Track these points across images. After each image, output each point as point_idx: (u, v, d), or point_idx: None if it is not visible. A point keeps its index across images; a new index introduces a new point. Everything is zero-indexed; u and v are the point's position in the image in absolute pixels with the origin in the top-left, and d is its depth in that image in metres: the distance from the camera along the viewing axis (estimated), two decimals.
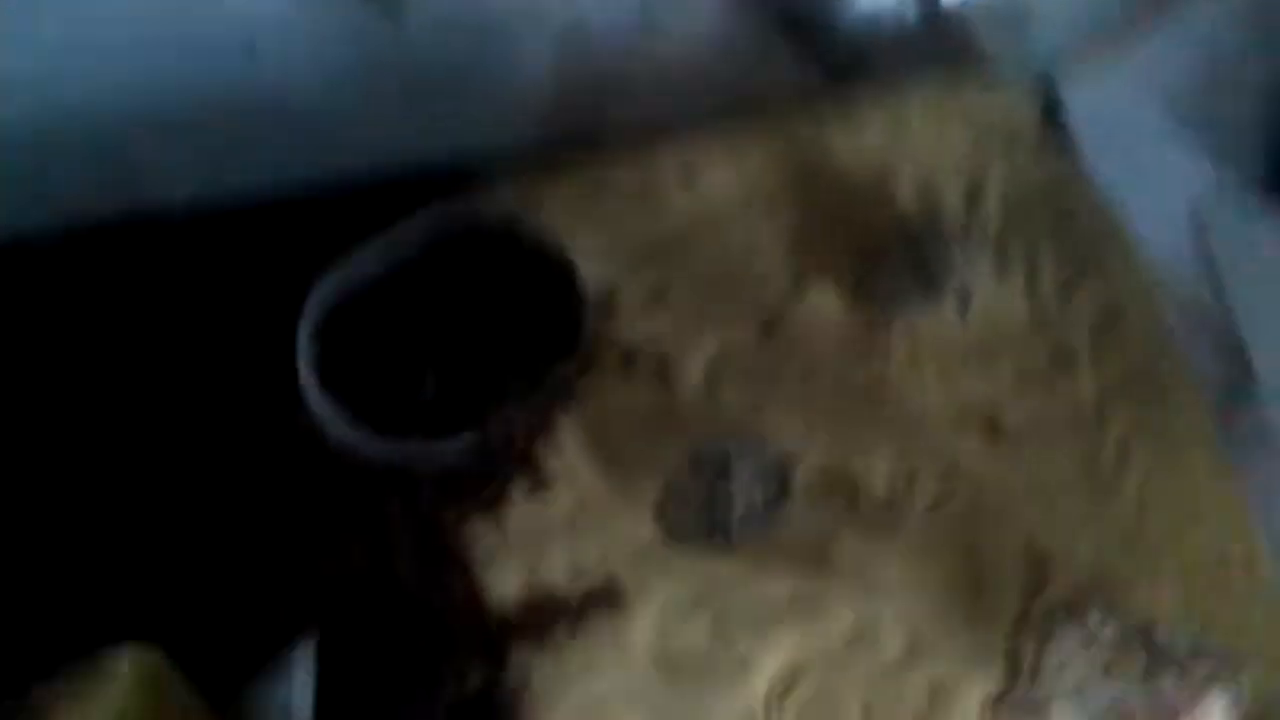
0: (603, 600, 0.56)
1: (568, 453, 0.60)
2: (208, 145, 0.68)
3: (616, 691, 0.54)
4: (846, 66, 0.75)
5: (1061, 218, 0.67)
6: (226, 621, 0.56)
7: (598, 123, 0.70)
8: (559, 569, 0.57)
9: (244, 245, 0.63)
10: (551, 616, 0.56)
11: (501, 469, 0.59)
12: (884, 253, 0.65)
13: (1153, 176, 0.71)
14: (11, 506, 0.57)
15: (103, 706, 0.46)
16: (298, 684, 0.52)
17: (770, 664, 0.55)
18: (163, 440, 0.60)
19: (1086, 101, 0.71)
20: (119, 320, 0.62)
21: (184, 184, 0.66)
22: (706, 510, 0.56)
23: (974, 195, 0.68)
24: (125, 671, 0.47)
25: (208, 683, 0.52)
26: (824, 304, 0.64)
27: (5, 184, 0.64)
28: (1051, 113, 0.71)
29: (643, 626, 0.55)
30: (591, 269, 0.62)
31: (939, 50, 0.76)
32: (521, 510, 0.59)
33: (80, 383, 0.60)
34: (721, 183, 0.66)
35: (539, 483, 0.59)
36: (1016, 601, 0.57)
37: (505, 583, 0.57)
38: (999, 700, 0.54)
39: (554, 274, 0.61)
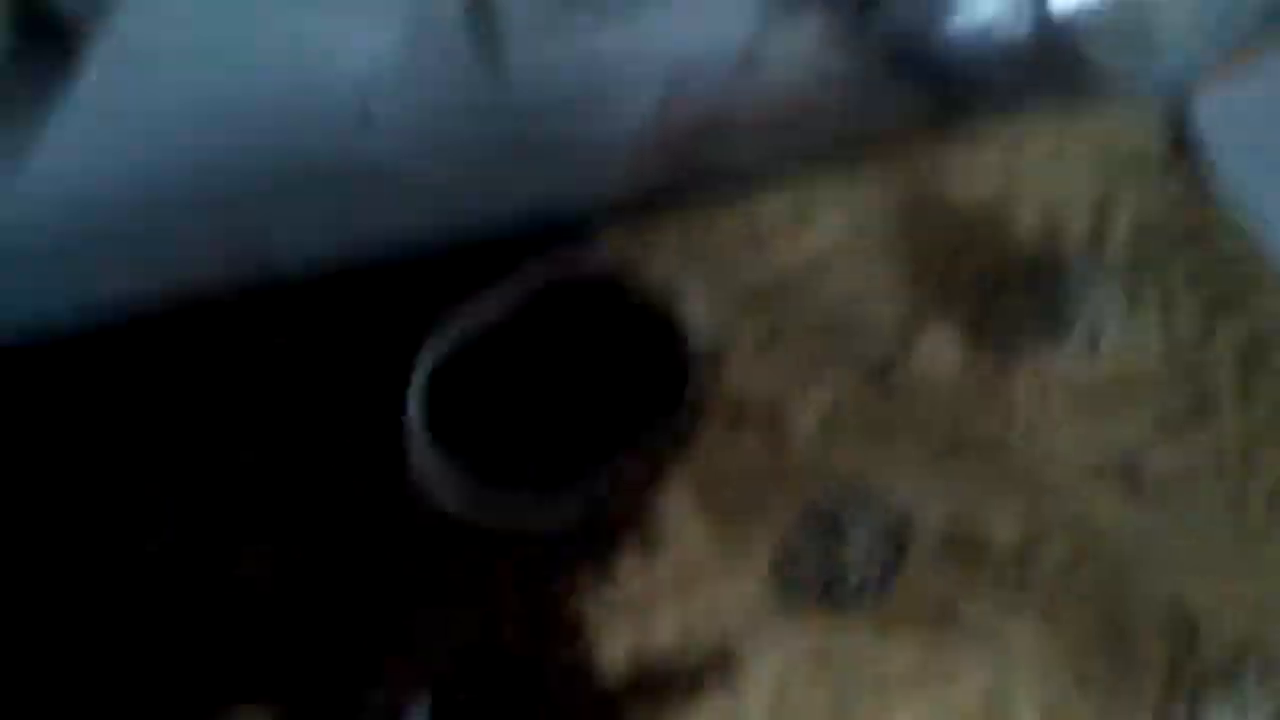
0: (716, 666, 0.54)
1: (677, 510, 0.58)
2: (320, 211, 0.68)
3: None
4: (957, 95, 0.72)
5: (1197, 249, 0.63)
6: (337, 687, 0.56)
7: (703, 167, 0.68)
8: (670, 633, 0.56)
9: (353, 308, 0.64)
10: (664, 683, 0.55)
11: (611, 528, 0.58)
12: (1005, 290, 0.62)
13: None
14: (124, 567, 0.59)
15: None
16: None
17: None
18: (274, 504, 0.60)
19: (1219, 125, 0.66)
20: (232, 387, 0.63)
21: (298, 251, 0.67)
22: (821, 573, 0.54)
23: (1100, 226, 0.64)
24: None
25: None
26: (942, 348, 0.61)
27: (120, 255, 0.66)
28: (1180, 136, 0.66)
29: (758, 695, 0.53)
30: (700, 318, 0.60)
31: (1055, 72, 0.72)
32: (631, 571, 0.57)
33: (195, 449, 0.61)
34: (831, 224, 0.64)
35: (648, 542, 0.58)
36: (1162, 668, 0.53)
37: (615, 647, 0.56)
38: None
39: (661, 325, 0.60)
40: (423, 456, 0.58)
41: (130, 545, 0.59)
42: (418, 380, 0.58)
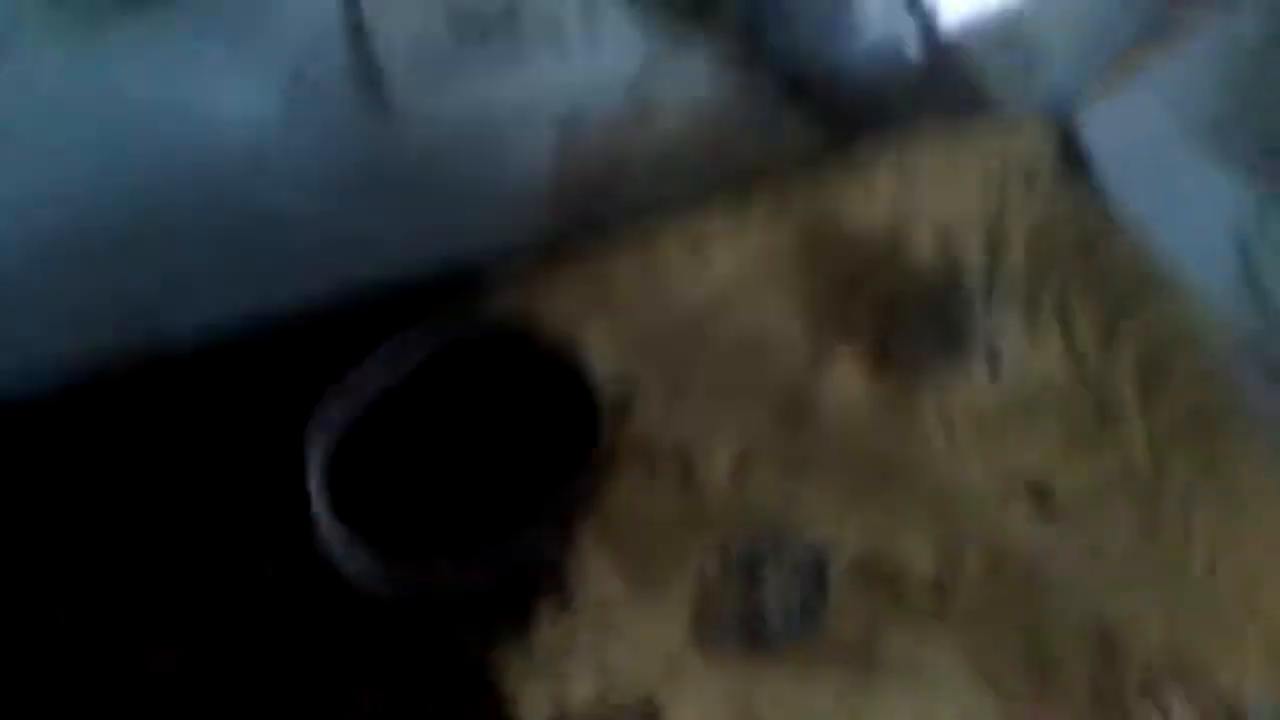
0: (637, 716, 0.53)
1: (593, 562, 0.57)
2: (210, 270, 0.66)
3: None
4: (848, 119, 0.72)
5: (1092, 258, 0.64)
6: None
7: (600, 210, 0.68)
8: (590, 686, 0.54)
9: (249, 375, 0.62)
10: None
11: (525, 587, 0.57)
12: (904, 316, 0.62)
13: (1188, 204, 0.67)
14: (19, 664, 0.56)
15: None
16: None
17: None
18: (177, 589, 0.58)
19: (1107, 134, 0.67)
20: (124, 462, 0.61)
21: (189, 315, 0.65)
22: (741, 618, 0.53)
23: (994, 245, 0.64)
24: None
25: None
26: (848, 380, 0.60)
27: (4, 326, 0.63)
28: (1069, 150, 0.67)
29: None
30: (605, 365, 0.59)
31: (944, 91, 0.73)
32: (548, 627, 0.56)
33: (88, 533, 0.59)
34: (729, 259, 0.64)
35: (564, 596, 0.56)
36: (1085, 686, 0.53)
37: (536, 705, 0.54)
38: None
39: (567, 375, 0.59)
40: (328, 533, 0.56)
41: (23, 639, 0.57)
42: (314, 456, 0.57)
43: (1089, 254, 0.64)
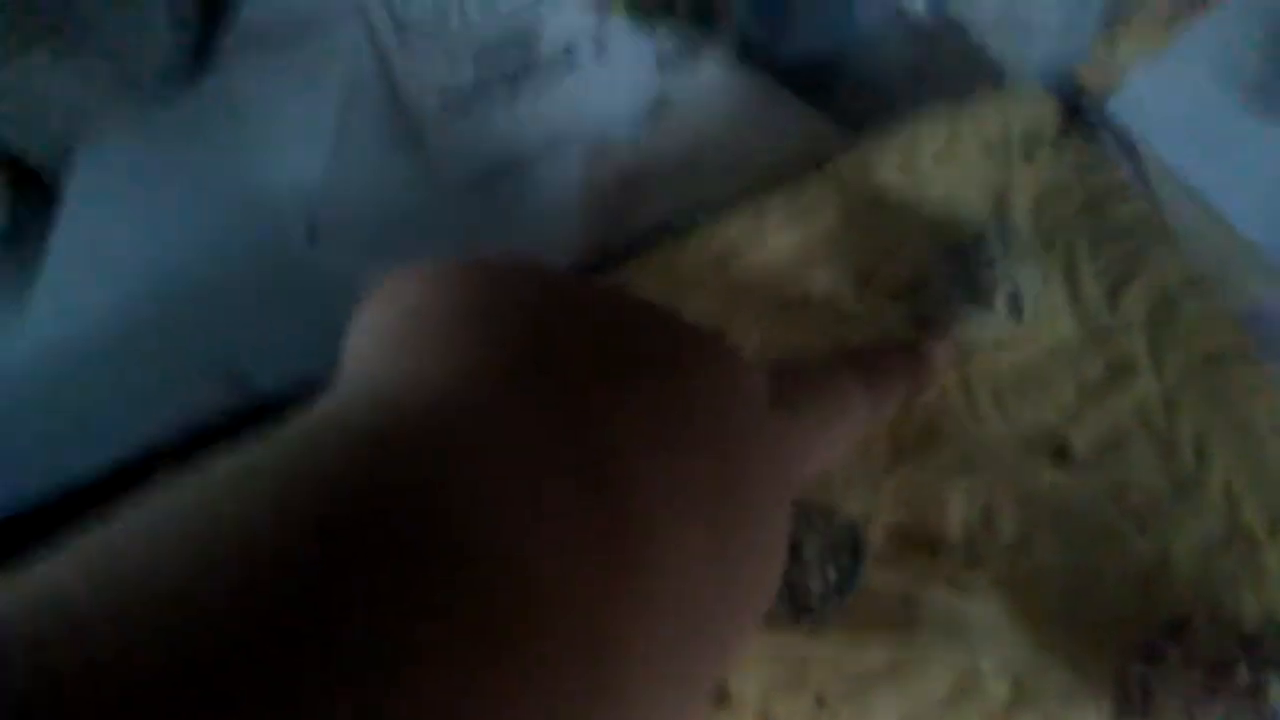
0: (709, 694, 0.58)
1: None
2: (283, 328, 0.72)
3: None
4: (859, 103, 0.76)
5: (1097, 218, 0.66)
6: None
7: (628, 234, 0.72)
8: None
9: None
10: None
11: None
12: (927, 281, 0.65)
13: (1235, 163, 0.69)
14: None
15: None
16: None
17: None
18: None
19: (1147, 98, 0.69)
20: None
21: (269, 368, 0.71)
22: (786, 597, 0.58)
23: (1003, 206, 0.67)
24: None
25: None
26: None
27: (106, 399, 0.71)
28: (1072, 113, 0.70)
29: (748, 714, 0.57)
30: None
31: (948, 69, 0.76)
32: None
33: None
34: (751, 262, 0.68)
35: None
36: (1120, 627, 0.56)
37: None
38: None
39: None
40: None
41: None
42: None
43: (1093, 213, 0.66)
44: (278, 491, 0.22)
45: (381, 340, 0.30)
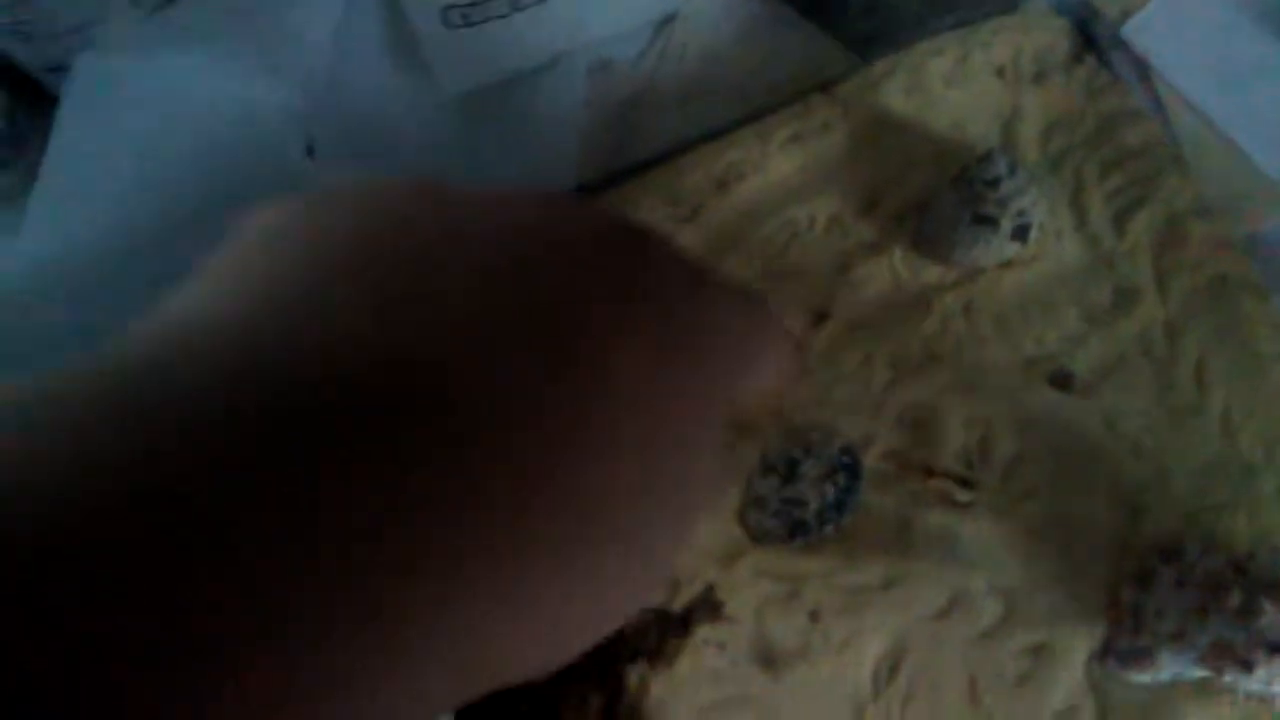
0: (704, 609, 0.59)
1: None
2: None
3: (727, 695, 0.57)
4: (867, 27, 0.74)
5: (1106, 144, 0.65)
6: None
7: (631, 154, 0.71)
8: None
9: None
10: (662, 632, 0.59)
11: None
12: (933, 204, 0.65)
13: (1256, 90, 0.68)
14: None
15: None
16: None
17: (871, 647, 0.56)
18: None
19: (1165, 27, 0.68)
20: None
21: None
22: (784, 514, 0.58)
23: (1012, 132, 0.67)
24: None
25: None
26: (876, 276, 0.64)
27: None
28: (1085, 38, 0.68)
29: (743, 628, 0.58)
30: None
31: None
32: None
33: None
34: (755, 182, 0.67)
35: None
36: (1112, 550, 0.57)
37: None
38: (1103, 655, 0.54)
39: None
40: None
41: None
42: None
43: (1102, 139, 0.66)
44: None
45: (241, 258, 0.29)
